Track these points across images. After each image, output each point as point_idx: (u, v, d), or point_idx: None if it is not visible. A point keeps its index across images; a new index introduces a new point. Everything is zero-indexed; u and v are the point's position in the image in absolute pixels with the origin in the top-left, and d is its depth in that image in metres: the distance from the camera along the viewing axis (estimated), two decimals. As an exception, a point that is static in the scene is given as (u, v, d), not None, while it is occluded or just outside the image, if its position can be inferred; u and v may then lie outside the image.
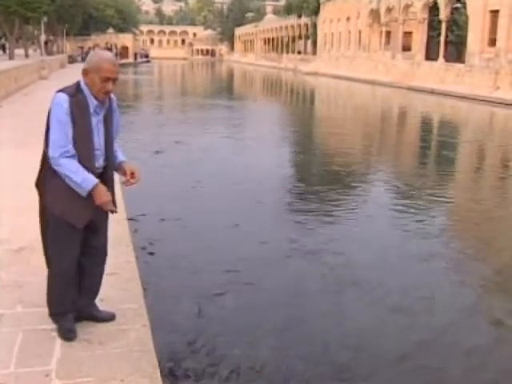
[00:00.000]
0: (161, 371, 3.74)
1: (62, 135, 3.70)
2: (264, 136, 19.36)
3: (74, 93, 3.77)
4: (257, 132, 20.44)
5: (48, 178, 3.82)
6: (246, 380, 4.71)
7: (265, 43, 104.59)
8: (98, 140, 3.88)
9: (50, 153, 3.71)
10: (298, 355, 5.14)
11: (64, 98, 3.72)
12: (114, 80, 3.83)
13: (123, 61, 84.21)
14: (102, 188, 3.78)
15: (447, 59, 43.58)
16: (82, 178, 3.71)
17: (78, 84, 3.84)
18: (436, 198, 10.99)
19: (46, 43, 57.16)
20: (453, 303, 6.39)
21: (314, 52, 73.37)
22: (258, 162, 14.42)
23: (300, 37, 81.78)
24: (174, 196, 10.50)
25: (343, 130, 21.98)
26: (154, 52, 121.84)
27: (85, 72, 3.83)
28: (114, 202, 3.96)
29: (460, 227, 9.73)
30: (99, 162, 3.91)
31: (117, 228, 6.24)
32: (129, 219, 7.14)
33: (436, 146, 18.98)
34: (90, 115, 3.81)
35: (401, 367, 5.07)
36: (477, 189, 13.01)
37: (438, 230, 9.08)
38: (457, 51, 52.27)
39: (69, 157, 3.71)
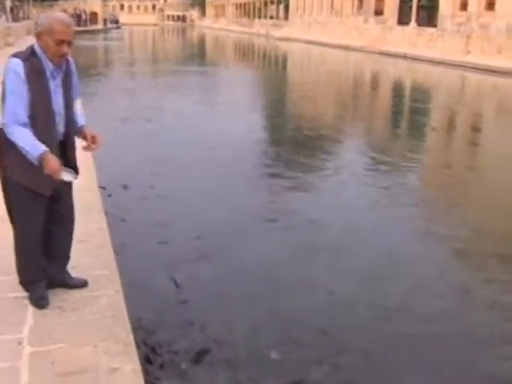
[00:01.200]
0: (134, 337, 3.74)
1: (17, 102, 3.56)
2: (236, 101, 19.22)
3: (28, 57, 3.61)
4: (229, 98, 20.28)
5: (7, 148, 3.69)
6: (219, 348, 4.73)
7: (237, 8, 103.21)
8: (58, 105, 3.76)
9: (2, 120, 3.60)
10: (270, 323, 5.17)
11: (18, 63, 3.57)
12: (69, 42, 3.67)
13: (92, 27, 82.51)
14: (50, 156, 3.59)
15: (419, 23, 43.51)
16: (31, 145, 3.56)
17: (31, 48, 3.68)
18: (407, 164, 11.07)
19: (11, 10, 55.63)
20: (420, 267, 6.44)
21: (287, 17, 72.67)
22: (230, 127, 14.34)
23: (272, 2, 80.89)
24: (146, 163, 10.40)
25: (316, 94, 21.93)
26: (124, 18, 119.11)
27: (37, 35, 3.66)
28: (75, 168, 3.88)
29: (431, 191, 9.83)
30: (60, 128, 3.80)
31: (88, 195, 6.19)
32: (100, 187, 7.07)
33: (408, 111, 19.06)
34: (46, 80, 3.68)
35: (372, 334, 5.12)
36: (448, 153, 13.14)
37: (409, 195, 9.17)
38: (428, 16, 52.16)
39: (20, 124, 3.57)
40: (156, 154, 11.10)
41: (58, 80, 3.77)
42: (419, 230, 7.57)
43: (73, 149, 3.95)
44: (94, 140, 3.91)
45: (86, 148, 3.94)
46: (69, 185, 3.98)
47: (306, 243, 6.92)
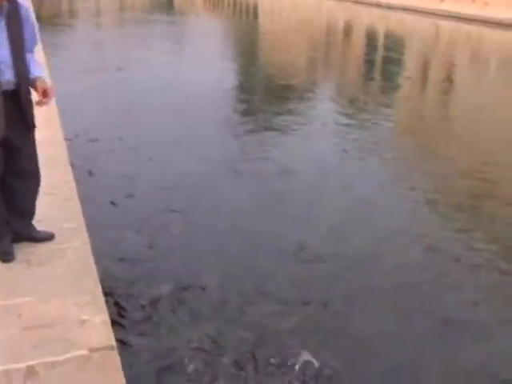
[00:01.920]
0: (102, 290, 3.73)
1: None
2: (206, 51, 18.91)
3: None
4: (199, 47, 19.93)
5: None
6: (187, 299, 4.75)
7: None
8: (1, 51, 3.57)
9: None
10: (239, 275, 5.20)
11: None
12: None
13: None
14: None
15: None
16: None
17: None
18: (379, 114, 11.09)
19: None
20: (389, 219, 6.49)
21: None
22: (199, 77, 14.13)
23: None
24: (114, 114, 10.25)
25: (287, 43, 21.69)
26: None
27: None
28: (31, 121, 3.78)
29: (403, 142, 9.88)
30: (6, 77, 3.59)
31: (53, 148, 6.09)
32: (66, 139, 6.94)
33: (381, 61, 18.98)
34: None
35: (340, 285, 5.18)
36: (422, 103, 13.18)
37: (381, 145, 9.20)
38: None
39: None
40: (124, 105, 10.94)
41: (1, 24, 3.58)
42: (390, 181, 7.64)
43: (28, 101, 3.78)
44: (45, 94, 3.73)
45: (37, 102, 3.79)
46: (26, 136, 3.85)
47: (275, 194, 6.94)
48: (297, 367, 4.03)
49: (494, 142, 9.67)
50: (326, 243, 5.81)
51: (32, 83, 3.78)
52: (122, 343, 3.91)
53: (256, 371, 3.98)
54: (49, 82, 3.91)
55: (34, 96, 3.81)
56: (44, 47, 13.21)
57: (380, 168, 8.15)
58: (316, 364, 4.05)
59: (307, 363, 4.06)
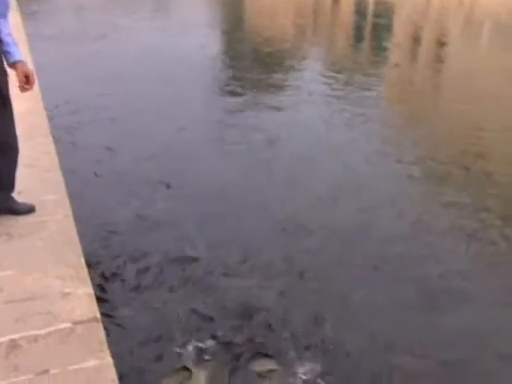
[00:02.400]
0: (86, 262, 3.71)
1: None
2: (191, 17, 18.68)
3: None
4: (183, 13, 19.68)
5: None
6: (172, 270, 4.75)
7: None
8: None
9: None
10: (224, 244, 5.20)
11: None
12: None
13: None
14: None
15: None
16: None
17: None
18: (368, 81, 11.03)
19: None
20: (376, 189, 6.49)
21: None
22: (184, 43, 13.98)
23: None
24: (95, 83, 10.12)
25: (274, 9, 21.45)
26: None
27: None
28: (5, 91, 3.70)
29: (392, 109, 9.86)
30: None
31: (33, 119, 6.02)
32: (46, 109, 6.85)
33: (370, 27, 18.85)
34: None
35: (326, 256, 5.20)
36: (410, 70, 13.12)
37: (369, 114, 9.17)
38: None
39: None
40: (106, 74, 10.82)
41: None
42: (377, 151, 7.62)
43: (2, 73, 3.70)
44: (27, 80, 3.67)
45: (19, 88, 3.71)
46: (2, 105, 3.78)
47: (260, 163, 6.93)
48: (282, 338, 4.06)
49: (485, 110, 9.66)
50: (312, 214, 5.81)
51: (10, 65, 3.69)
52: (106, 316, 3.90)
53: (242, 343, 4.00)
54: (30, 67, 3.83)
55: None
56: (22, 13, 12.99)
57: (367, 137, 8.13)
58: (300, 335, 4.08)
59: (292, 334, 4.09)
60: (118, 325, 4.06)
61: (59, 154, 5.33)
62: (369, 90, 10.49)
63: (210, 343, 3.97)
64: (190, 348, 3.92)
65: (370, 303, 4.48)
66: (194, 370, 3.76)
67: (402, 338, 4.12)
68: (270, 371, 3.79)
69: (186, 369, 3.77)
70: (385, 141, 8.03)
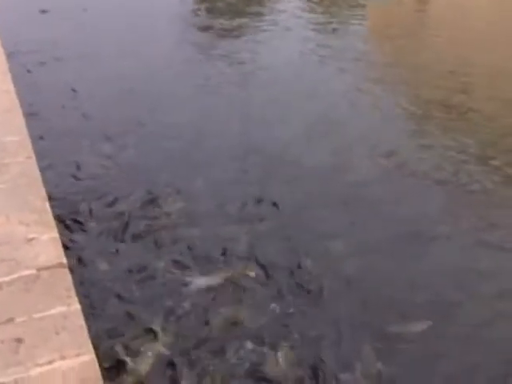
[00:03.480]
0: (50, 206, 3.61)
1: None
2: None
3: None
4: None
5: None
6: (145, 212, 4.69)
7: None
8: None
9: None
10: (199, 184, 5.15)
11: None
12: None
13: None
14: None
15: None
16: None
17: None
18: (349, 19, 10.82)
19: None
20: (352, 127, 6.48)
21: None
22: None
23: None
24: (59, 20, 9.76)
25: None
26: None
27: None
28: None
29: (373, 46, 9.70)
30: None
31: (-9, 57, 5.78)
32: (4, 47, 6.58)
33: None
34: None
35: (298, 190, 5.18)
36: (396, 5, 12.87)
37: (349, 49, 9.02)
38: None
39: None
40: (70, 11, 10.41)
41: None
42: (356, 88, 7.53)
43: None
44: None
45: None
46: None
47: (233, 99, 6.82)
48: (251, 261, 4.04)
49: (472, 48, 9.53)
50: (286, 149, 5.76)
51: None
52: (72, 261, 3.83)
53: (211, 294, 3.98)
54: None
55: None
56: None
57: (347, 74, 8.01)
58: (271, 270, 4.07)
59: (259, 264, 4.08)
60: (86, 270, 4.00)
61: (19, 92, 5.14)
62: (351, 24, 10.30)
63: (178, 281, 3.93)
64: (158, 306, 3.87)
65: (335, 236, 4.49)
66: (159, 332, 3.70)
67: (373, 279, 4.14)
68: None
69: (151, 331, 3.72)
70: (366, 78, 7.92)
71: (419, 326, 3.73)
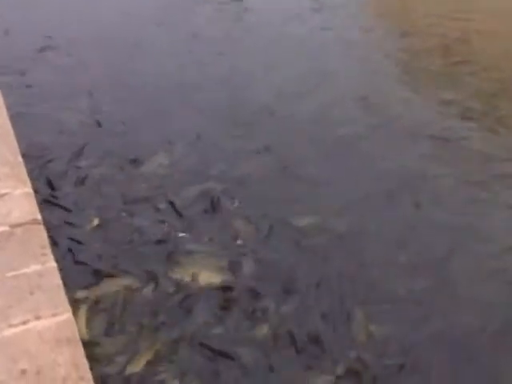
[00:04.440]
0: (24, 162, 3.52)
1: None
2: None
3: None
4: None
5: None
6: (121, 172, 4.61)
7: None
8: None
9: None
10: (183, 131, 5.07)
11: None
12: None
13: None
14: None
15: None
16: None
17: None
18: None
19: None
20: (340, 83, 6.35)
21: None
22: None
23: None
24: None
25: None
26: None
27: None
28: None
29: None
30: None
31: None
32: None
33: None
34: None
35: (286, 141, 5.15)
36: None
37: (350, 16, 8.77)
38: None
39: None
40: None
41: None
42: (350, 41, 7.35)
43: None
44: None
45: None
46: None
47: (218, 51, 6.69)
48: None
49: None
50: (274, 104, 5.70)
51: None
52: (47, 217, 3.74)
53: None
54: None
55: None
56: None
57: (340, 27, 7.82)
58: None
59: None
60: (61, 226, 3.92)
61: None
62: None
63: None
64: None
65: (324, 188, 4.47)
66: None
67: (358, 230, 4.11)
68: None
69: (126, 272, 3.69)
70: (360, 29, 7.74)
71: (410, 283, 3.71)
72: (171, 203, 4.21)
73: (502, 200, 4.51)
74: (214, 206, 4.21)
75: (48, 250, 2.79)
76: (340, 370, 3.09)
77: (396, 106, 5.84)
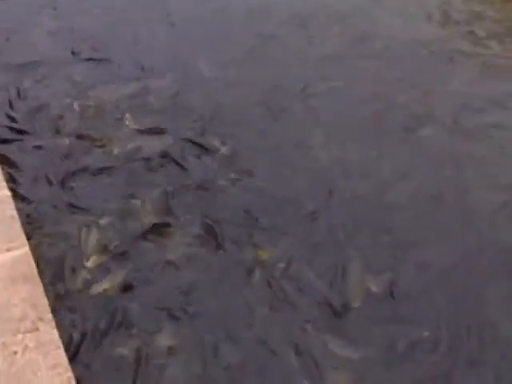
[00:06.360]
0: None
1: None
2: None
3: None
4: None
5: None
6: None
7: None
8: None
9: None
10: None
11: None
12: None
13: None
14: None
15: None
16: None
17: None
18: None
19: None
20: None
21: None
22: None
23: None
24: None
25: None
26: None
27: None
28: None
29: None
30: None
31: None
32: None
33: None
34: None
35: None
36: None
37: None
38: None
39: None
40: None
41: None
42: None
43: None
44: None
45: None
46: None
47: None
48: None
49: None
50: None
51: None
52: (14, 191, 3.41)
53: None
54: None
55: None
56: None
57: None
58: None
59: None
60: (31, 199, 3.65)
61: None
62: None
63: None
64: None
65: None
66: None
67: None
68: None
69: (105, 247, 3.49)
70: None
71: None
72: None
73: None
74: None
75: (17, 224, 2.63)
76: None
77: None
